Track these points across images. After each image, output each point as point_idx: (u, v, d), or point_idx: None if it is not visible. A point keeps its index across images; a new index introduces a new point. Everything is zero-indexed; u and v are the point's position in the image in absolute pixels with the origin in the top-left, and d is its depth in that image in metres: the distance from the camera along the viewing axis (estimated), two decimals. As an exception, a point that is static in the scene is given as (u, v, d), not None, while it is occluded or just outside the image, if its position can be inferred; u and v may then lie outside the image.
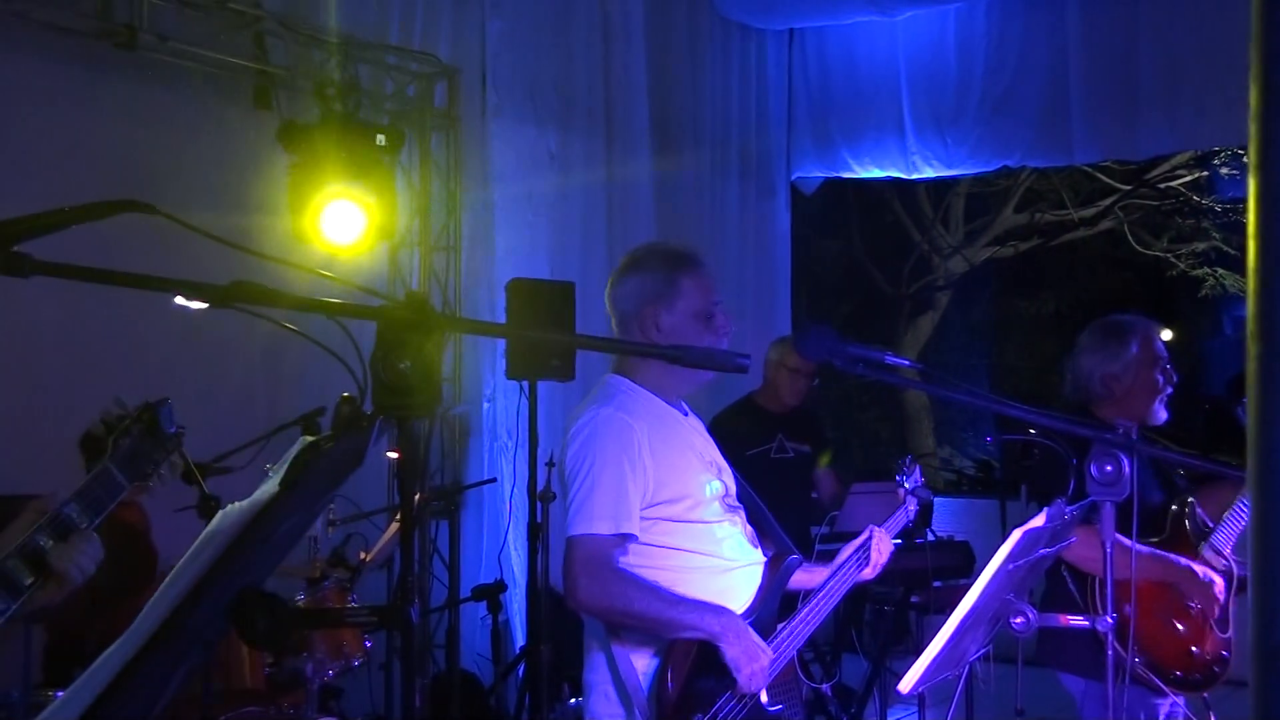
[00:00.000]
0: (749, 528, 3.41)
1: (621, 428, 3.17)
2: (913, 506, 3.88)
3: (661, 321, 3.29)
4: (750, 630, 3.19)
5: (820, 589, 3.44)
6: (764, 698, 3.24)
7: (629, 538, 3.16)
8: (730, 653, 3.12)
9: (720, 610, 3.17)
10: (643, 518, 3.18)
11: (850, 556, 3.52)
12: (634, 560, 3.19)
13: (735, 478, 3.46)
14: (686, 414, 3.43)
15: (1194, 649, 4.13)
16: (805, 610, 3.38)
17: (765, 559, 3.39)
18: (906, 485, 3.89)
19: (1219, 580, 4.13)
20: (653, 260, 3.37)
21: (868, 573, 3.53)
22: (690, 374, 3.29)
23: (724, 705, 3.15)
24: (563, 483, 3.28)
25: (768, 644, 3.22)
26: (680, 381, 3.35)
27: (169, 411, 2.36)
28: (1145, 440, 4.38)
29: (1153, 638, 4.03)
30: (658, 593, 3.14)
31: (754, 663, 3.13)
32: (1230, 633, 4.17)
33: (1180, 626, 4.11)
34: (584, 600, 3.13)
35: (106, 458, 2.28)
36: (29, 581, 2.16)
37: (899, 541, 3.84)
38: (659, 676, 3.13)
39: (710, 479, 3.32)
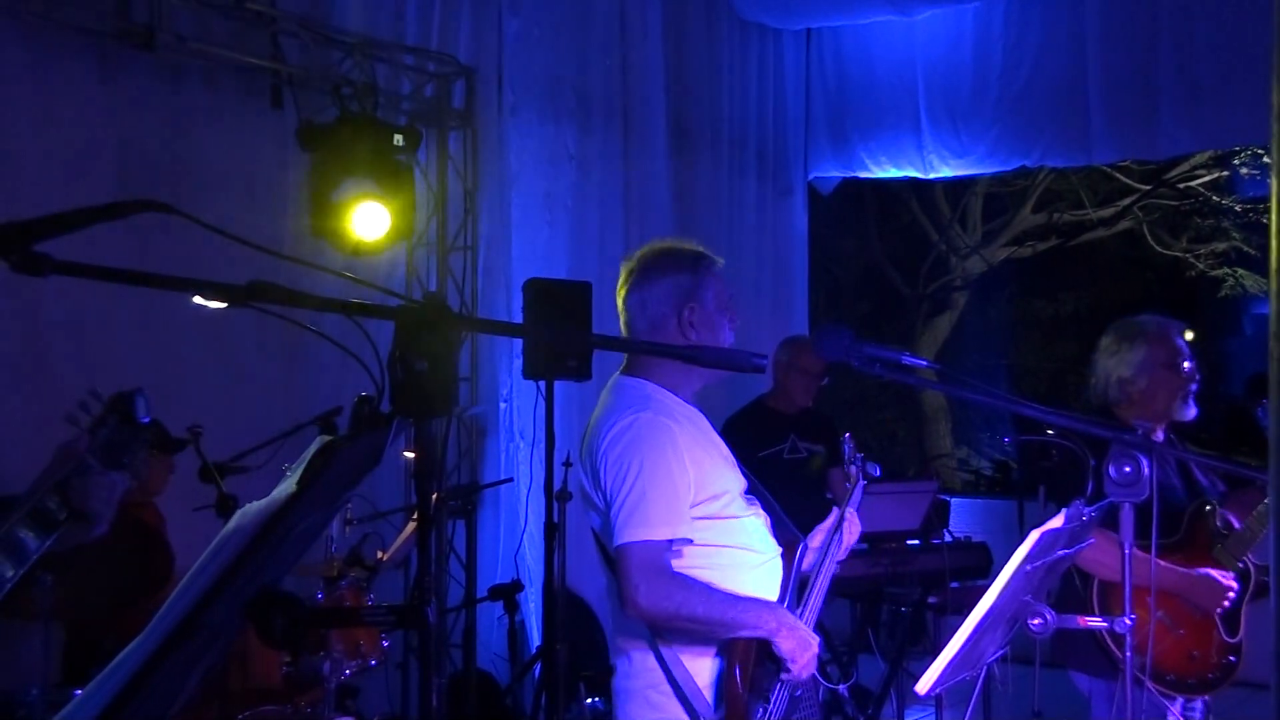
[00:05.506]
0: (768, 518, 3.43)
1: (664, 431, 3.17)
2: (860, 480, 3.79)
3: (696, 318, 3.33)
4: (799, 620, 3.23)
5: (814, 579, 3.44)
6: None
7: (683, 541, 3.15)
8: (785, 646, 3.14)
9: (773, 606, 3.20)
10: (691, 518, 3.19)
11: (832, 541, 3.49)
12: (685, 561, 3.17)
13: (743, 473, 3.48)
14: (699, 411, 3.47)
15: (1195, 652, 4.12)
16: (809, 599, 3.40)
17: (781, 549, 3.40)
18: (855, 463, 3.81)
19: (1234, 585, 4.11)
20: (673, 261, 3.40)
21: (840, 553, 3.51)
22: (703, 371, 3.32)
23: (778, 694, 3.18)
24: (599, 488, 3.23)
25: None
26: (694, 379, 3.38)
27: (143, 401, 2.35)
28: (1171, 440, 4.37)
29: (1153, 638, 4.01)
30: (714, 594, 3.13)
31: (806, 652, 3.17)
32: (1240, 637, 4.15)
33: (1181, 630, 4.10)
34: (645, 607, 3.09)
35: (84, 449, 2.28)
36: (62, 517, 2.19)
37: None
38: (726, 676, 3.14)
39: (735, 474, 3.36)
